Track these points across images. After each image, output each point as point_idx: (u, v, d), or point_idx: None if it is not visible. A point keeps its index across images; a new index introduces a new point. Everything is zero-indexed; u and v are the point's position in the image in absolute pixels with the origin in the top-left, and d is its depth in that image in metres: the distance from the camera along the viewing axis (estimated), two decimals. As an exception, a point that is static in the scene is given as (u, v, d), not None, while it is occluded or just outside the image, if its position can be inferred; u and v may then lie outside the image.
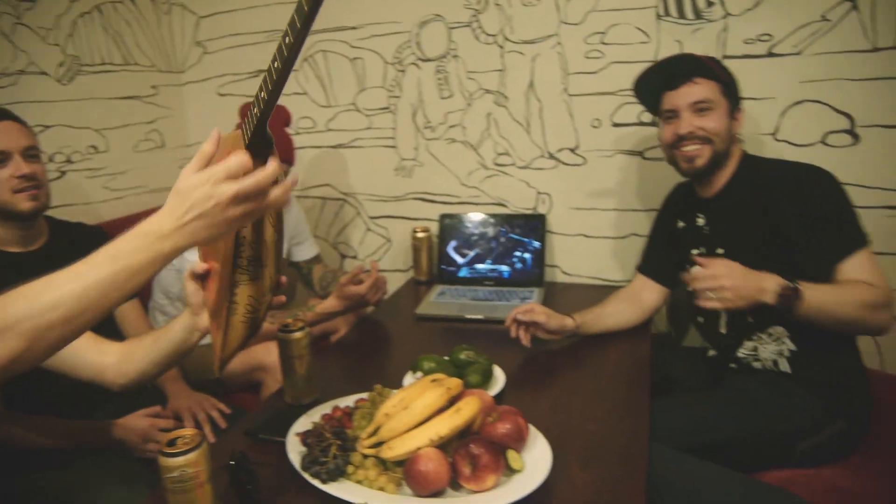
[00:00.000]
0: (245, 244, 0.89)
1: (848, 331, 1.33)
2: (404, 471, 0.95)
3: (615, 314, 1.56)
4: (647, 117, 1.78)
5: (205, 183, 0.72)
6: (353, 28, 2.07)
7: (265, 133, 0.80)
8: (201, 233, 0.74)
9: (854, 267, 1.27)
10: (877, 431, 1.35)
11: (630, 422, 1.16)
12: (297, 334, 1.23)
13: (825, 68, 1.62)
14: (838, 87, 1.62)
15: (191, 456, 0.83)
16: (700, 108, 1.39)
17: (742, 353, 1.40)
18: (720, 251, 1.43)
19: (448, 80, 2.00)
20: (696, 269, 1.25)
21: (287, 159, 1.73)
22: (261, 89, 0.75)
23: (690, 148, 1.40)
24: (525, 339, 1.46)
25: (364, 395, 1.19)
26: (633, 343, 1.51)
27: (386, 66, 2.06)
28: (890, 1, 1.55)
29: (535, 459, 0.99)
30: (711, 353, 1.50)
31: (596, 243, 1.93)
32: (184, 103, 2.34)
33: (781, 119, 1.68)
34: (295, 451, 1.03)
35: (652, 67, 1.45)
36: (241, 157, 0.74)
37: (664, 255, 1.60)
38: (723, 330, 1.45)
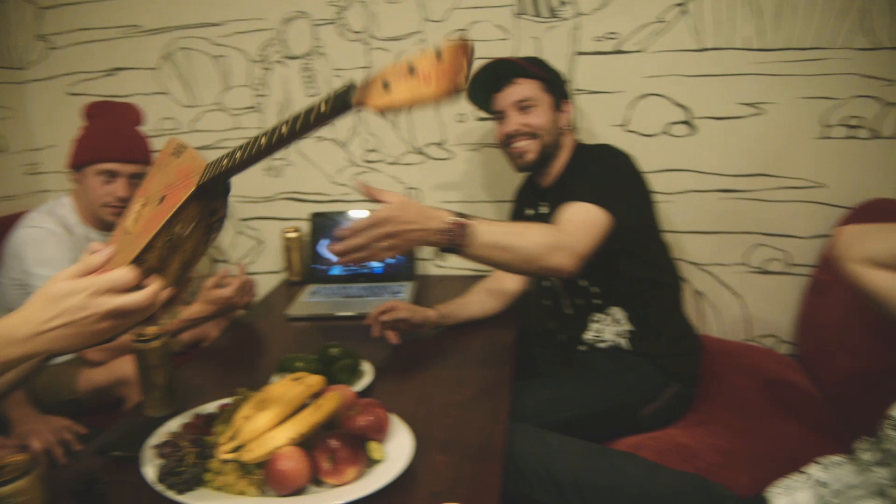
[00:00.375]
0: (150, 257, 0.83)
1: (529, 270, 1.35)
2: (264, 472, 0.94)
3: (478, 303, 1.61)
4: (508, 112, 1.86)
5: (82, 291, 0.69)
6: (216, 25, 2.00)
7: (226, 183, 0.81)
8: (61, 342, 0.70)
9: (568, 211, 1.29)
10: (706, 390, 1.51)
11: (491, 404, 1.21)
12: (152, 343, 1.18)
13: (664, 65, 1.76)
14: (676, 82, 1.76)
15: (18, 484, 0.78)
16: (523, 105, 1.48)
17: (588, 336, 1.51)
18: None
19: (315, 77, 1.99)
20: (344, 229, 1.07)
21: (143, 159, 1.65)
22: (242, 149, 0.76)
23: (519, 144, 1.50)
24: (393, 338, 1.47)
25: (228, 401, 1.16)
26: (497, 330, 1.56)
27: (251, 63, 2.01)
28: (712, 6, 1.71)
29: (397, 449, 1.01)
30: (562, 336, 1.61)
31: (467, 235, 1.99)
32: (27, 103, 2.16)
33: (630, 111, 1.81)
34: (151, 464, 0.99)
35: (475, 75, 1.51)
36: (127, 273, 0.71)
37: None
38: (568, 311, 1.56)
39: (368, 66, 1.94)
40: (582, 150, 1.55)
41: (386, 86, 0.61)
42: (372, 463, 0.98)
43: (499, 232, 1.13)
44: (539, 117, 1.49)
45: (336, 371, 1.25)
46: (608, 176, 1.42)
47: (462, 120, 1.89)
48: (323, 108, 0.68)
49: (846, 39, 1.66)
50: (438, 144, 1.93)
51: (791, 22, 1.68)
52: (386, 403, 1.08)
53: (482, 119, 1.89)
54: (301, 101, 2.01)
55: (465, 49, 0.59)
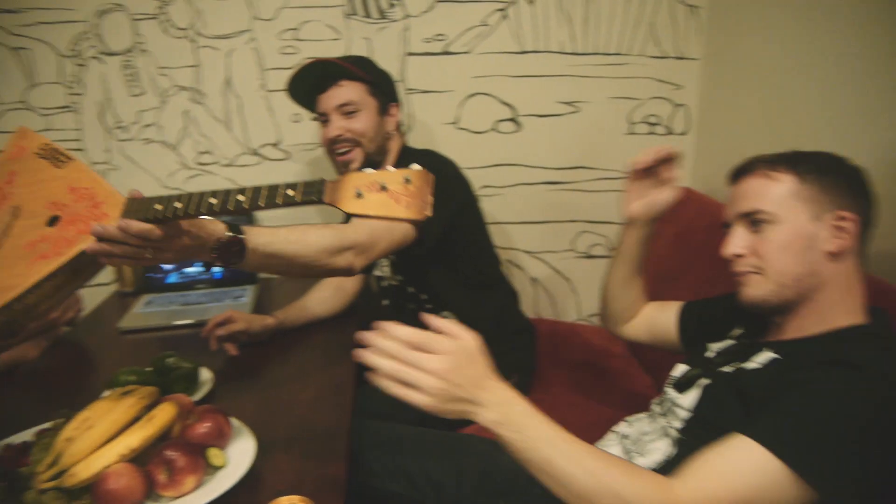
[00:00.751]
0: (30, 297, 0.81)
1: (313, 274, 1.31)
2: (92, 494, 0.89)
3: (319, 303, 1.59)
4: (346, 111, 1.88)
5: None
6: (12, 12, 1.81)
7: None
8: None
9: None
10: (543, 371, 1.64)
11: (335, 401, 1.22)
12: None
13: (490, 66, 1.87)
14: (501, 82, 1.88)
15: None
16: (346, 110, 1.45)
17: None
18: None
19: (138, 76, 1.87)
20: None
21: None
22: (182, 202, 0.78)
23: (343, 152, 1.47)
24: (231, 349, 1.41)
25: (48, 425, 1.08)
26: (339, 328, 1.57)
27: (61, 59, 1.85)
28: (529, 12, 1.84)
29: (239, 453, 1.00)
30: None
31: (311, 235, 1.98)
32: None
33: (460, 110, 1.90)
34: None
35: (296, 73, 1.48)
36: None
37: None
38: (410, 307, 1.61)
39: (197, 65, 1.86)
40: (408, 154, 1.57)
41: (359, 195, 0.65)
42: (213, 470, 0.96)
43: (275, 242, 1.07)
44: (362, 122, 1.46)
45: (172, 381, 1.20)
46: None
47: (297, 120, 1.88)
48: (294, 195, 0.71)
49: (641, 48, 1.87)
50: (274, 145, 1.90)
51: (597, 30, 1.86)
52: (228, 408, 1.06)
53: (317, 119, 1.88)
54: (124, 101, 1.88)
55: (427, 178, 0.63)
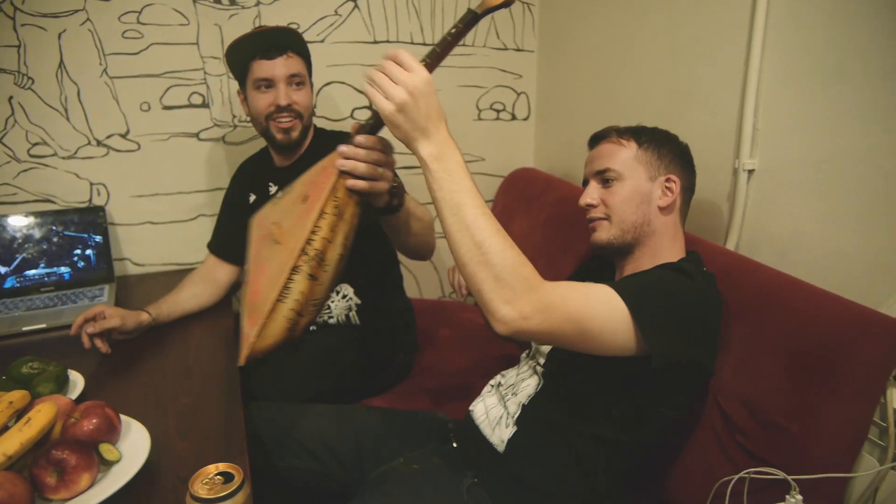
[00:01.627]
0: (317, 237, 0.89)
1: (414, 245, 1.34)
2: (-31, 509, 0.83)
3: (192, 298, 1.55)
4: (198, 99, 1.82)
5: None
6: None
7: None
8: None
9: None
10: (420, 347, 1.74)
11: (223, 388, 1.22)
12: None
13: (344, 55, 1.92)
14: (356, 70, 1.94)
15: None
16: (295, 81, 1.48)
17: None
18: None
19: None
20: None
21: None
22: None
23: (287, 120, 1.49)
24: (104, 347, 1.33)
25: None
26: (214, 320, 1.55)
27: None
28: (380, 3, 1.92)
29: (132, 445, 0.98)
30: None
31: (165, 229, 1.90)
32: None
33: (317, 98, 1.93)
34: None
35: (252, 34, 1.48)
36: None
37: (234, 232, 1.64)
38: None
39: (19, 45, 1.68)
40: (323, 134, 1.62)
41: None
42: (107, 465, 0.93)
43: (411, 204, 1.20)
44: (307, 97, 1.51)
45: (39, 384, 1.12)
46: None
47: (146, 108, 1.79)
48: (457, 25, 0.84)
49: (485, 40, 2.03)
50: (123, 135, 1.79)
51: (442, 21, 1.98)
52: (111, 404, 1.03)
53: (168, 108, 1.81)
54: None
55: None
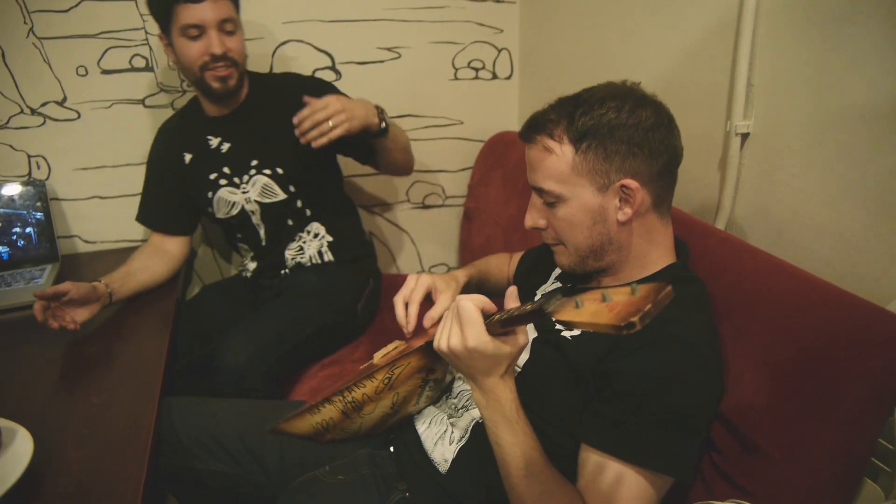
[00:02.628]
0: (359, 391, 0.94)
1: (403, 161, 1.56)
2: None
3: (145, 269, 1.45)
4: (140, 62, 1.66)
5: None
6: None
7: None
8: None
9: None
10: (385, 327, 1.61)
11: (142, 382, 1.11)
12: None
13: (301, 10, 1.72)
14: (315, 27, 1.75)
15: None
16: (227, 28, 1.36)
17: (290, 255, 1.54)
18: (254, 162, 1.48)
19: None
20: (304, 110, 1.27)
21: None
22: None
23: (223, 68, 1.37)
24: (72, 324, 1.21)
25: None
26: (155, 299, 1.44)
27: None
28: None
29: (9, 460, 0.86)
30: (251, 269, 1.59)
31: (115, 204, 1.76)
32: None
33: (273, 59, 1.75)
34: None
35: None
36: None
37: (170, 200, 1.55)
38: (264, 243, 1.55)
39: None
40: (260, 79, 1.52)
41: (578, 304, 0.62)
42: (-25, 485, 0.81)
43: (396, 129, 1.46)
44: (239, 42, 1.40)
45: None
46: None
47: (83, 73, 1.63)
48: (517, 312, 0.71)
49: (460, -11, 1.82)
50: (59, 103, 1.64)
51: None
52: (8, 410, 0.93)
53: (108, 72, 1.65)
54: None
55: (661, 291, 0.56)
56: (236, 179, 1.49)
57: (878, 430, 0.79)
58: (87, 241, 1.78)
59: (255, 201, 1.50)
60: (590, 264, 0.92)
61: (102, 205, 1.76)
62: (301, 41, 1.75)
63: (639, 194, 0.85)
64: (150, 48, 1.65)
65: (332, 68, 1.80)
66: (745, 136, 1.11)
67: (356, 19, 1.76)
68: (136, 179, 1.74)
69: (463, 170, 2.02)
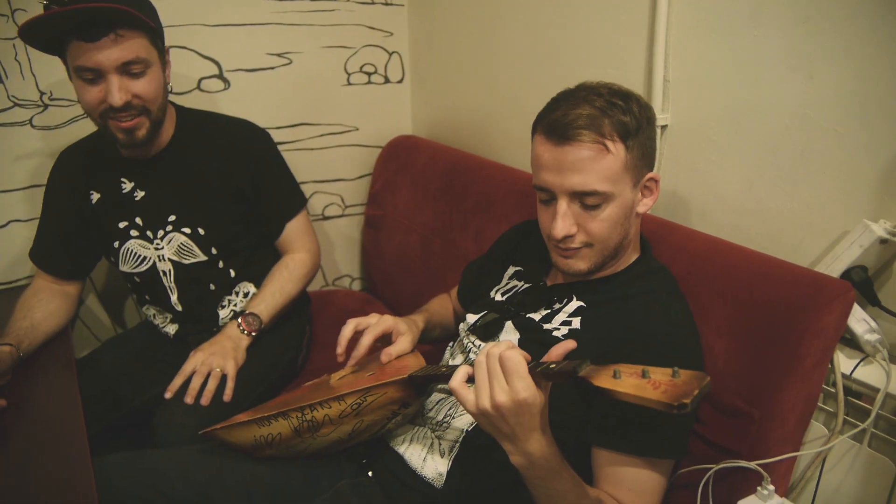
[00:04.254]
0: (321, 411, 0.92)
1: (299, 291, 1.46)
2: None
3: (49, 317, 1.26)
4: None
5: None
6: None
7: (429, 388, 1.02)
8: None
9: (296, 227, 1.45)
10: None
11: (67, 442, 0.96)
12: None
13: (182, 13, 1.57)
14: (199, 32, 1.61)
15: None
16: (133, 70, 1.14)
17: (223, 313, 1.40)
18: (171, 217, 1.31)
19: None
20: (175, 382, 1.20)
21: None
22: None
23: (127, 119, 1.16)
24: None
25: None
26: (46, 350, 1.23)
27: None
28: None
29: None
30: (171, 331, 1.40)
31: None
32: None
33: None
34: None
35: (53, 15, 1.06)
36: None
37: (68, 241, 1.35)
38: (179, 308, 1.37)
39: None
40: (190, 117, 1.35)
41: (616, 374, 0.63)
42: None
43: (273, 303, 1.35)
44: (152, 84, 1.17)
45: None
46: (288, 172, 1.48)
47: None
48: (554, 367, 0.70)
49: (347, -7, 1.78)
50: None
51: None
52: None
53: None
54: None
55: (702, 381, 0.59)
56: (149, 233, 1.31)
57: (824, 376, 0.90)
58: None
59: (170, 259, 1.33)
60: (605, 261, 0.93)
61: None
62: (184, 48, 1.60)
63: (659, 185, 0.92)
64: (-2, 57, 1.42)
65: (220, 76, 1.67)
66: (663, 128, 1.20)
67: (243, 23, 1.65)
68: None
69: (361, 177, 1.97)
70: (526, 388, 0.70)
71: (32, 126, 1.50)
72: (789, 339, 0.86)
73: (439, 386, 1.02)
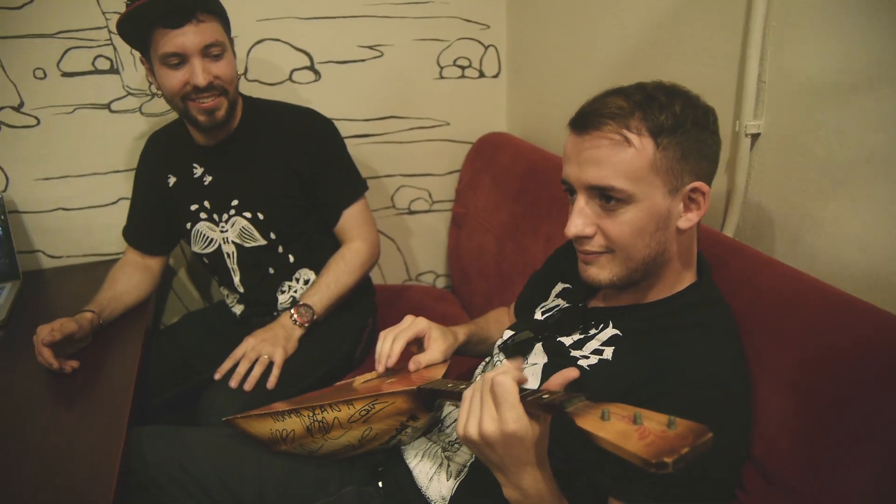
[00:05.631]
0: (332, 413, 0.90)
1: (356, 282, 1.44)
2: None
3: (131, 290, 1.38)
4: (104, 63, 1.55)
5: None
6: None
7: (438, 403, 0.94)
8: None
9: (354, 215, 1.43)
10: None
11: (109, 413, 1.02)
12: None
13: (276, 7, 1.63)
14: (292, 25, 1.65)
15: None
16: (213, 53, 1.22)
17: (282, 298, 1.44)
18: (234, 202, 1.37)
19: None
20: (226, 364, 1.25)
21: None
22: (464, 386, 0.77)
23: (209, 100, 1.24)
24: (70, 364, 1.14)
25: None
26: (123, 325, 1.33)
27: None
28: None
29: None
30: (237, 312, 1.46)
31: (81, 216, 1.65)
32: None
33: (247, 58, 1.65)
34: None
35: (142, 5, 1.17)
36: None
37: (153, 221, 1.46)
38: (241, 290, 1.43)
39: None
40: (256, 105, 1.40)
41: (604, 416, 0.56)
42: None
43: (328, 294, 1.35)
44: (230, 66, 1.27)
45: None
46: (349, 160, 1.47)
47: (41, 76, 1.52)
48: (546, 398, 0.63)
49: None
50: (16, 108, 1.53)
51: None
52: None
53: (69, 75, 1.54)
54: None
55: (701, 436, 0.50)
56: (215, 216, 1.39)
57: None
58: (51, 257, 1.67)
59: (233, 242, 1.39)
60: (633, 277, 0.81)
61: (67, 217, 1.65)
62: (277, 40, 1.65)
63: (706, 199, 0.78)
64: (115, 48, 1.55)
65: (311, 68, 1.70)
66: (755, 137, 1.04)
67: (336, 16, 1.67)
68: (103, 190, 1.65)
69: (450, 173, 1.93)
70: (516, 418, 0.63)
71: (142, 113, 1.62)
72: (864, 400, 0.69)
73: (448, 403, 0.97)
